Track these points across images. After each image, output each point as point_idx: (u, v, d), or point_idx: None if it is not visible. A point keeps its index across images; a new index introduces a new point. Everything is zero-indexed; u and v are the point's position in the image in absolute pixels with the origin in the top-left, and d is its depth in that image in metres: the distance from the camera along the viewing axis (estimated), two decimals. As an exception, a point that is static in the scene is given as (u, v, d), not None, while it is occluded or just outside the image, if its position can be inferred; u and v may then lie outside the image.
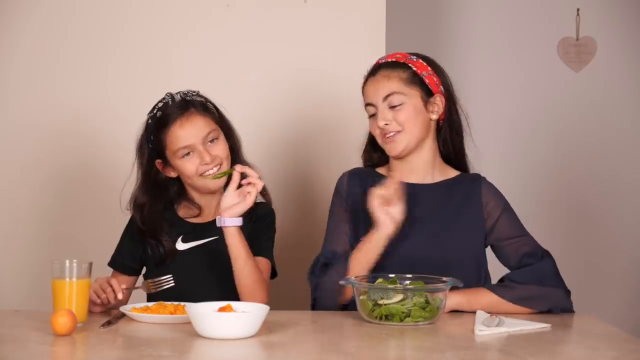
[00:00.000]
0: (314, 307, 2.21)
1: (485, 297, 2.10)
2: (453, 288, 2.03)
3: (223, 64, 2.95)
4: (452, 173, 2.30)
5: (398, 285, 2.00)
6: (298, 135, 2.95)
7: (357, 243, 2.19)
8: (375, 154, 2.34)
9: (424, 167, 2.26)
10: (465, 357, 1.66)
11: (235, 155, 2.35)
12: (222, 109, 2.35)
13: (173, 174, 2.32)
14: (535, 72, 4.19)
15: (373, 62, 2.30)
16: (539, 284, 2.12)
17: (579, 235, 4.14)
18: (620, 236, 4.15)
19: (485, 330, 1.86)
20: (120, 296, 2.08)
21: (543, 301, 2.10)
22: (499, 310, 2.06)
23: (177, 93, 2.31)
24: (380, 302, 1.93)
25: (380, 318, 1.94)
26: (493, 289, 2.12)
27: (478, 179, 2.29)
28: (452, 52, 4.17)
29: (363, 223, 2.21)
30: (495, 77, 4.17)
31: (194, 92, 2.33)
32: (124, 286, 2.15)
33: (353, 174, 2.32)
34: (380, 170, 2.32)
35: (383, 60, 2.28)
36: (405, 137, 2.21)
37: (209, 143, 2.26)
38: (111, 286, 2.09)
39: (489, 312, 2.04)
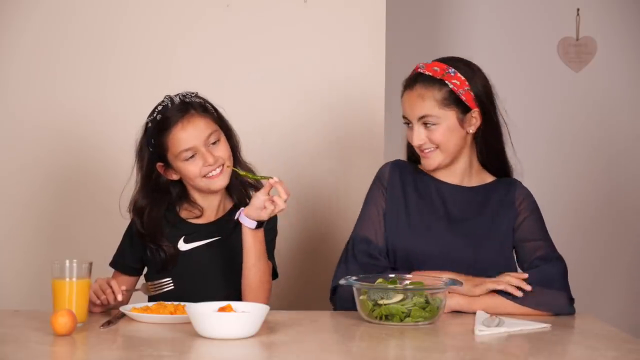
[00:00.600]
0: (334, 291, 2.20)
1: (486, 299, 2.10)
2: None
3: (223, 64, 2.95)
4: (489, 178, 2.31)
5: (398, 285, 2.00)
6: (297, 135, 2.95)
7: (387, 231, 2.21)
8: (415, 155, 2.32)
9: (461, 172, 2.27)
10: (465, 357, 1.66)
11: (235, 156, 2.35)
12: (220, 110, 2.35)
13: (175, 177, 2.32)
14: (535, 72, 4.18)
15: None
16: (542, 286, 2.11)
17: (578, 236, 4.13)
18: (620, 236, 4.15)
19: (485, 330, 1.86)
20: (120, 298, 2.08)
21: (544, 304, 2.10)
22: (500, 311, 2.06)
23: (176, 95, 2.30)
24: (381, 302, 1.93)
25: (380, 318, 1.94)
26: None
27: (514, 183, 2.30)
28: (452, 52, 4.15)
29: (400, 213, 2.23)
30: (495, 77, 4.14)
31: (193, 93, 2.33)
32: (123, 288, 2.14)
33: (395, 164, 2.32)
34: (422, 167, 2.31)
35: (422, 70, 2.23)
36: (440, 155, 2.22)
37: (211, 145, 2.26)
38: (111, 287, 2.09)
39: (488, 313, 2.04)
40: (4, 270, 2.94)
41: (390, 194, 2.27)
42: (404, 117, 2.25)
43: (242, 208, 2.17)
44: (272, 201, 2.11)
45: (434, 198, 2.26)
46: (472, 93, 2.22)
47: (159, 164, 2.31)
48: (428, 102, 2.19)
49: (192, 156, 2.25)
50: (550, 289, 2.12)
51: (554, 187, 4.16)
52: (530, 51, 4.18)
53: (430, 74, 2.21)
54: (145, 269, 2.37)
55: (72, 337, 1.80)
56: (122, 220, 2.38)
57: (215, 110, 2.33)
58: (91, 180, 2.93)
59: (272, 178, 2.12)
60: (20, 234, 2.94)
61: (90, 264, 1.96)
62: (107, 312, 2.11)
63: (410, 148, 2.32)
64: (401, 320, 1.92)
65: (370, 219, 2.26)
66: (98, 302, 2.08)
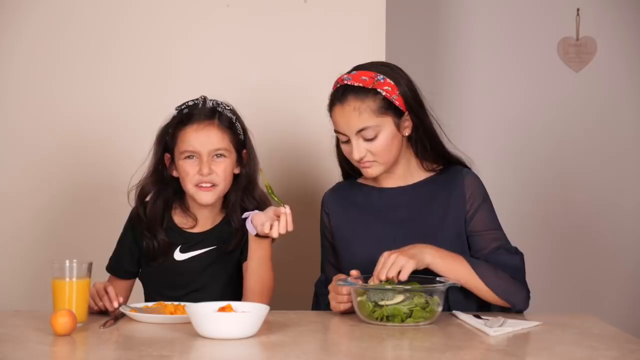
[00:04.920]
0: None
1: (461, 269, 2.07)
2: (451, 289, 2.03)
3: (222, 64, 2.95)
4: (431, 171, 2.27)
5: (399, 286, 2.00)
6: (297, 135, 2.95)
7: (342, 252, 2.26)
8: (351, 167, 2.30)
9: (402, 173, 2.25)
10: (465, 357, 1.66)
11: (250, 182, 2.33)
12: (250, 134, 2.34)
13: (175, 174, 2.32)
14: (535, 72, 4.18)
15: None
16: (511, 277, 2.12)
17: (579, 236, 4.13)
18: (621, 236, 4.14)
19: (499, 330, 1.86)
20: (116, 305, 2.07)
21: (509, 294, 2.10)
22: (466, 285, 2.07)
23: (211, 100, 2.31)
24: (382, 303, 1.93)
25: (382, 319, 1.94)
26: (472, 263, 2.09)
27: (461, 171, 2.25)
28: (452, 52, 4.17)
29: (347, 233, 2.25)
30: (495, 78, 4.17)
31: (229, 106, 2.33)
32: (121, 299, 2.11)
33: (332, 190, 2.35)
34: (361, 180, 2.32)
35: (348, 82, 2.15)
36: (382, 165, 2.19)
37: (215, 158, 2.26)
38: (108, 294, 2.08)
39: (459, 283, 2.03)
40: (4, 270, 2.94)
41: (333, 222, 2.30)
42: (339, 133, 2.19)
43: (256, 211, 2.15)
44: (272, 225, 2.10)
45: (379, 206, 2.24)
46: (402, 96, 2.17)
47: (167, 155, 2.32)
48: (365, 114, 2.13)
49: (192, 157, 2.25)
50: (517, 281, 2.12)
51: (554, 187, 4.16)
52: (530, 51, 4.18)
53: (360, 84, 2.14)
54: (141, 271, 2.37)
55: (72, 337, 1.80)
56: (123, 220, 2.38)
57: (244, 132, 2.33)
58: (91, 180, 2.93)
59: (285, 207, 2.11)
60: (20, 234, 2.94)
61: (90, 264, 1.96)
62: (107, 312, 2.11)
63: (346, 162, 2.29)
64: (402, 321, 1.92)
65: (326, 260, 2.35)
66: (95, 308, 2.08)
